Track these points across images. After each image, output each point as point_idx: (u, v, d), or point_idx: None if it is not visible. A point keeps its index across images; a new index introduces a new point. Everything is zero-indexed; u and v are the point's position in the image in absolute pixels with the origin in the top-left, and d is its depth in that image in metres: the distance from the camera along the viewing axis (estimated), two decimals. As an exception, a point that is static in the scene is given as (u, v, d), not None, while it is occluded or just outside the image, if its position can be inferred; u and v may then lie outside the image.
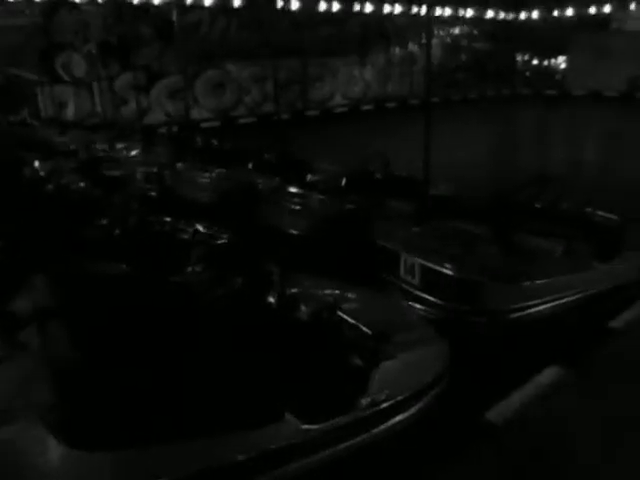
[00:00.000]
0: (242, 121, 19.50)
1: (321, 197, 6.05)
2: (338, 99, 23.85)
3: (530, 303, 4.04)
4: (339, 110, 23.20)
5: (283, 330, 3.17)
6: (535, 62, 31.23)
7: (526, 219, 4.74)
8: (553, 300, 4.12)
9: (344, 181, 6.81)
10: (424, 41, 27.20)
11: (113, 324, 2.72)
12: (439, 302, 4.15)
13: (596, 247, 4.44)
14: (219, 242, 5.07)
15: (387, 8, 24.76)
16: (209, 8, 18.41)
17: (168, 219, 5.18)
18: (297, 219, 6.02)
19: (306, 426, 2.42)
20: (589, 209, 4.94)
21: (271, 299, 3.16)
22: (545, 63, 30.83)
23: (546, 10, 28.21)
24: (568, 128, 18.07)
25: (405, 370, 2.86)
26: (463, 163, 11.59)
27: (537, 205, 5.01)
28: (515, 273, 4.03)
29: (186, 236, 4.92)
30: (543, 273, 4.11)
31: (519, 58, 31.55)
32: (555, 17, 28.21)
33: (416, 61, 26.78)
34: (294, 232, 6.05)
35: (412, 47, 26.72)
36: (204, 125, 17.72)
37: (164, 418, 2.08)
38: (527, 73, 31.38)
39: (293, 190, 6.35)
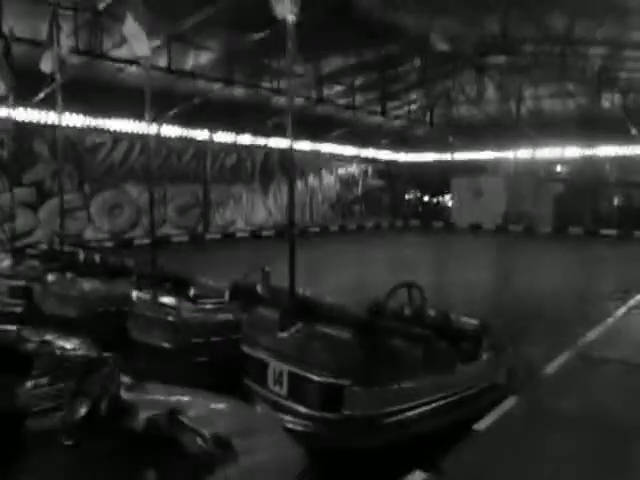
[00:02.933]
0: (138, 242, 19.13)
1: (193, 307, 5.82)
2: (240, 224, 24.37)
3: (396, 408, 3.92)
4: (240, 235, 23.59)
5: (114, 440, 2.80)
6: (426, 198, 34.43)
7: (394, 324, 4.79)
8: (418, 404, 4.04)
9: (227, 294, 6.68)
10: (324, 175, 29.31)
11: None
12: (306, 411, 3.93)
13: (459, 350, 4.51)
14: (68, 353, 4.61)
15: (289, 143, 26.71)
16: (113, 131, 18.80)
17: (13, 328, 4.67)
18: (167, 331, 5.71)
19: None
20: (452, 314, 5.11)
21: (103, 406, 2.81)
22: (435, 200, 34.06)
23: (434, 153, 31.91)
24: (450, 253, 19.58)
25: (246, 477, 2.56)
26: (348, 281, 11.91)
27: (406, 311, 5.11)
28: (380, 377, 3.94)
29: (32, 346, 4.42)
30: (408, 376, 4.05)
31: (412, 195, 34.65)
32: (442, 160, 31.90)
33: (316, 192, 28.49)
34: (164, 345, 5.71)
35: (312, 180, 28.51)
36: (94, 244, 17.16)
37: None
38: (419, 208, 34.29)
39: (167, 302, 6.07)
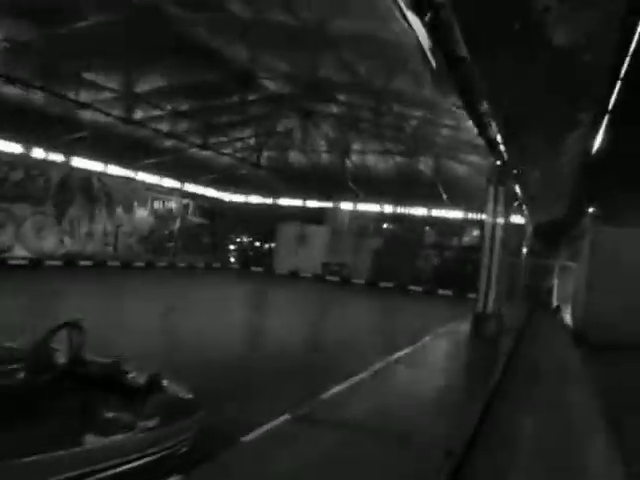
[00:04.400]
0: None
1: None
2: (19, 250, 20.38)
3: None
4: (17, 262, 19.68)
5: None
6: (253, 242, 32.93)
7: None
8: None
9: None
10: (136, 205, 26.54)
11: None
12: None
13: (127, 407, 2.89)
14: None
15: (96, 165, 23.55)
16: None
17: None
18: None
19: None
20: (122, 359, 3.51)
21: None
22: (264, 245, 32.66)
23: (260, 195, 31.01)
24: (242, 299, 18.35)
25: None
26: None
27: (59, 358, 3.36)
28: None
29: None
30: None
31: (240, 237, 32.90)
32: (269, 204, 31.16)
33: (122, 223, 25.49)
34: None
35: (119, 209, 25.51)
36: None
37: None
38: (249, 252, 32.59)
39: None
